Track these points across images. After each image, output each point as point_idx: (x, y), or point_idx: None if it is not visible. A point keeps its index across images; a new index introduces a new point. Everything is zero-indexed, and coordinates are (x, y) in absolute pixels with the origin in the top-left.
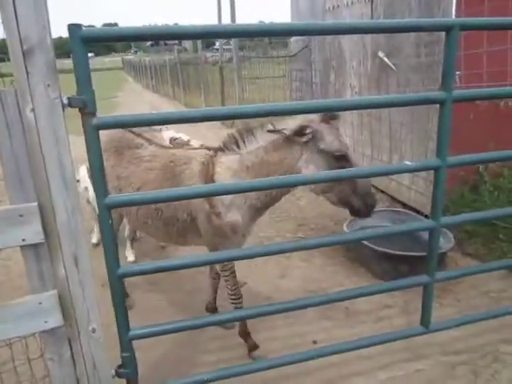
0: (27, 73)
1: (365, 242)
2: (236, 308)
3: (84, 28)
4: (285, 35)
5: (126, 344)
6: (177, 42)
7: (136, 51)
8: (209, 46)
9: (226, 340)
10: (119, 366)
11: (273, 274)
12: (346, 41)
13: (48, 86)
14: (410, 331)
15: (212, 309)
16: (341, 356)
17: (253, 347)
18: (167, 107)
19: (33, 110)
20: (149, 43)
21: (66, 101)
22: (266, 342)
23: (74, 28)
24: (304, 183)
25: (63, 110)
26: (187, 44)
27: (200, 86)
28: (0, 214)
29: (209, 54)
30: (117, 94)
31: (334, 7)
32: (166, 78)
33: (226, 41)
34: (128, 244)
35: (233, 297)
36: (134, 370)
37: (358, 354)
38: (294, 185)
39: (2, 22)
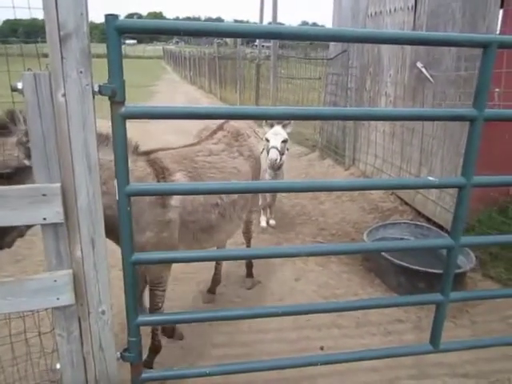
0: (62, 58)
1: (383, 254)
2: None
3: (120, 19)
4: (319, 40)
5: (133, 329)
6: None
7: (178, 42)
8: (249, 41)
9: (234, 336)
10: (124, 350)
11: (288, 275)
12: (386, 48)
13: (81, 72)
14: (418, 348)
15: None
16: (347, 365)
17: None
18: (203, 101)
19: (64, 94)
20: None
21: (96, 88)
22: (273, 343)
23: (110, 18)
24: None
25: (93, 96)
26: (228, 38)
27: (236, 82)
28: (24, 191)
29: (248, 50)
30: (155, 83)
31: (376, 13)
32: (204, 70)
33: None
34: (261, 211)
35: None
36: (138, 355)
37: (365, 365)
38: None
39: (43, 8)
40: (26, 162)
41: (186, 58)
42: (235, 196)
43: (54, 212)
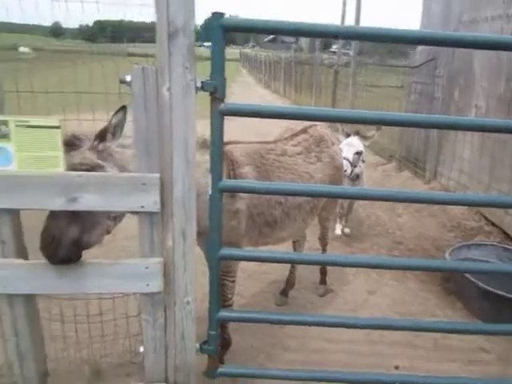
0: (169, 54)
1: (468, 276)
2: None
3: (225, 17)
4: (414, 43)
5: (214, 323)
6: (294, 40)
7: (254, 45)
8: (326, 47)
9: (304, 341)
10: (204, 342)
11: (362, 287)
12: (479, 57)
13: (186, 68)
14: (505, 382)
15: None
16: None
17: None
18: (278, 104)
19: (169, 89)
20: (266, 39)
21: (199, 84)
22: (344, 354)
23: (216, 16)
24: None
25: (196, 92)
26: (304, 43)
27: (312, 87)
28: (126, 179)
29: (325, 56)
30: (230, 85)
31: (470, 20)
32: (279, 74)
33: (344, 44)
34: (337, 219)
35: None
36: (216, 348)
37: None
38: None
39: (155, 5)
40: (100, 162)
41: (262, 61)
42: (300, 199)
43: (151, 201)
